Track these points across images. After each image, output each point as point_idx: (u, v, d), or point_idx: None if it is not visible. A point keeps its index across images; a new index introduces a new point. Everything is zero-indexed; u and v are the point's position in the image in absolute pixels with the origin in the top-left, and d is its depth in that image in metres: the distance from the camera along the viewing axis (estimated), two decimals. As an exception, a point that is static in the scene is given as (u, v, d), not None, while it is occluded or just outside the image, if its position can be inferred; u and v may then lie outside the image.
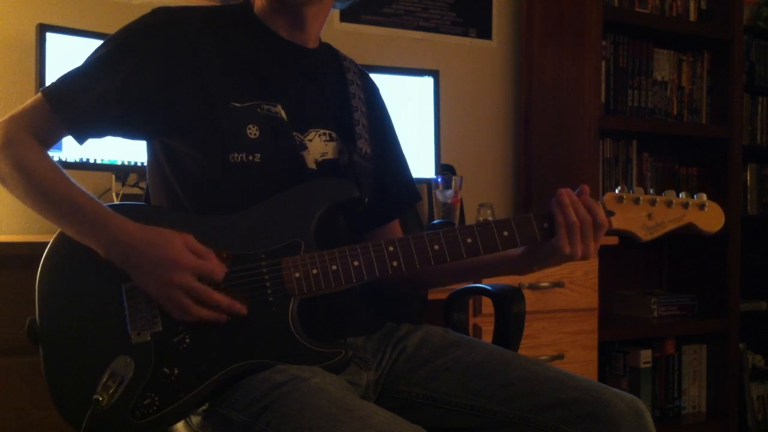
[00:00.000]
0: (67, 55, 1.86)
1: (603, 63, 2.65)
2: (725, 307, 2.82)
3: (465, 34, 2.80)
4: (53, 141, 1.18)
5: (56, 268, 1.14)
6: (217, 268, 1.09)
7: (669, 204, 1.22)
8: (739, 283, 2.83)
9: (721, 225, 1.24)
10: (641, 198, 1.21)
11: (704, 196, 1.23)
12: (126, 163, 1.95)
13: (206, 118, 1.17)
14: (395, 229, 1.43)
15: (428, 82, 2.38)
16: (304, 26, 1.28)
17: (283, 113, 1.22)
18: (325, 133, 1.28)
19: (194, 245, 1.09)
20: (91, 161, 1.90)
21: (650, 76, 2.79)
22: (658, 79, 2.82)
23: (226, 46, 1.22)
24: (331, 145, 1.28)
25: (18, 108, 1.17)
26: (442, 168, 2.38)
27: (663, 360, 2.80)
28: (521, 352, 1.36)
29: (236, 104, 1.19)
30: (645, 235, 1.22)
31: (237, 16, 1.28)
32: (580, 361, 2.30)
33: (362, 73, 1.42)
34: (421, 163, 2.31)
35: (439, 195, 2.21)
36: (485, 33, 2.83)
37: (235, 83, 1.20)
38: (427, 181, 2.35)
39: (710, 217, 1.23)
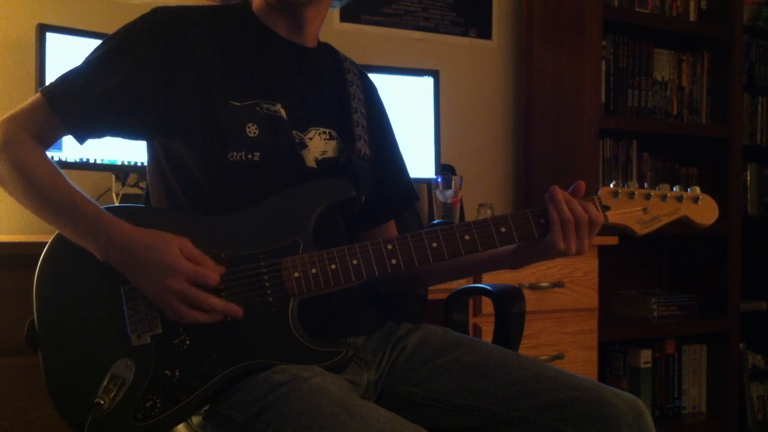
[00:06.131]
0: (67, 55, 1.86)
1: (603, 63, 2.65)
2: (725, 307, 2.82)
3: (465, 34, 2.79)
4: (52, 141, 1.18)
5: (54, 272, 1.13)
6: (211, 274, 1.09)
7: (663, 198, 1.23)
8: (739, 283, 2.83)
9: (715, 218, 1.24)
10: (636, 192, 1.22)
11: (698, 189, 1.24)
12: (126, 163, 1.96)
13: (205, 118, 1.17)
14: (391, 229, 1.43)
15: (428, 82, 2.38)
16: (303, 27, 1.28)
17: (283, 112, 1.22)
18: (325, 132, 1.28)
19: (190, 251, 1.09)
20: (91, 161, 1.90)
21: (650, 76, 2.79)
22: (658, 79, 2.82)
23: (225, 46, 1.22)
24: (332, 143, 1.28)
25: (17, 108, 1.17)
26: (442, 168, 2.38)
27: (663, 360, 2.80)
28: (521, 352, 1.36)
29: (236, 103, 1.19)
30: (640, 230, 1.22)
31: (236, 16, 1.28)
32: (580, 361, 2.30)
33: (361, 73, 1.42)
34: (421, 163, 2.31)
35: (439, 195, 2.21)
36: (485, 33, 2.83)
37: (234, 82, 1.20)
38: (427, 181, 2.35)
39: (704, 210, 1.24)
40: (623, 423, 1.10)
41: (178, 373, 1.09)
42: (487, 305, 2.09)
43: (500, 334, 1.51)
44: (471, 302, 2.10)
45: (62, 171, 1.15)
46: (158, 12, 1.21)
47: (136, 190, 2.03)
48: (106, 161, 1.93)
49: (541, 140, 2.76)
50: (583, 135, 2.56)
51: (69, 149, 1.85)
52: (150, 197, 1.29)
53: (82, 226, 1.10)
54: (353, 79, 1.36)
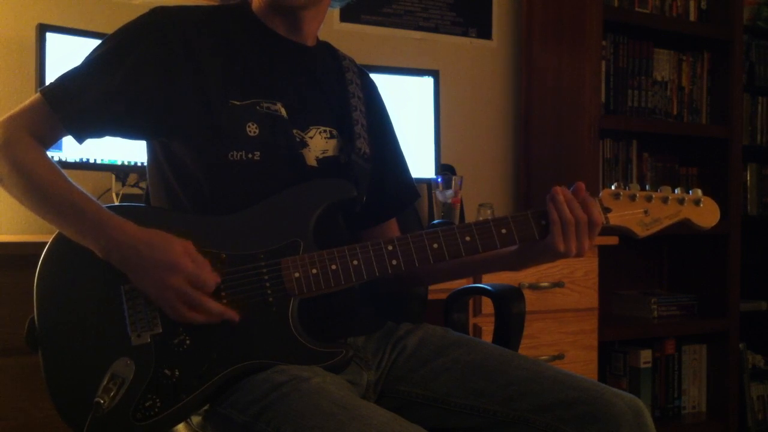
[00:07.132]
0: (67, 55, 1.86)
1: (603, 63, 2.65)
2: (725, 307, 2.81)
3: (465, 34, 2.79)
4: (53, 141, 1.18)
5: (54, 271, 1.13)
6: (209, 280, 1.09)
7: (665, 200, 1.23)
8: (739, 283, 2.83)
9: (717, 220, 1.24)
10: (637, 194, 1.22)
11: (699, 192, 1.24)
12: (126, 163, 1.95)
13: (205, 117, 1.17)
14: (393, 227, 1.43)
15: (428, 82, 2.38)
16: (302, 27, 1.28)
17: (283, 111, 1.22)
18: (326, 131, 1.28)
19: (193, 253, 1.09)
20: (91, 161, 1.90)
21: (650, 76, 2.79)
22: (658, 79, 2.82)
23: (224, 45, 1.22)
24: (332, 142, 1.28)
25: (17, 108, 1.17)
26: (442, 168, 2.38)
27: (663, 360, 2.80)
28: (521, 352, 1.36)
29: (236, 102, 1.19)
30: (641, 232, 1.22)
31: (235, 15, 1.28)
32: (580, 361, 2.30)
33: (361, 71, 1.42)
34: (421, 163, 2.31)
35: (439, 195, 2.21)
36: (485, 33, 2.83)
37: (234, 81, 1.20)
38: (427, 181, 2.35)
39: (706, 213, 1.24)
40: (623, 423, 1.10)
41: (177, 373, 1.09)
42: (487, 305, 2.09)
43: (500, 334, 1.51)
44: (471, 302, 2.10)
45: (62, 170, 1.14)
46: (157, 12, 1.21)
47: (136, 190, 2.03)
48: (106, 161, 1.93)
49: (541, 140, 2.76)
50: (583, 135, 2.56)
51: (69, 149, 1.85)
52: (150, 197, 1.29)
53: (82, 224, 1.09)
54: (353, 78, 1.36)
